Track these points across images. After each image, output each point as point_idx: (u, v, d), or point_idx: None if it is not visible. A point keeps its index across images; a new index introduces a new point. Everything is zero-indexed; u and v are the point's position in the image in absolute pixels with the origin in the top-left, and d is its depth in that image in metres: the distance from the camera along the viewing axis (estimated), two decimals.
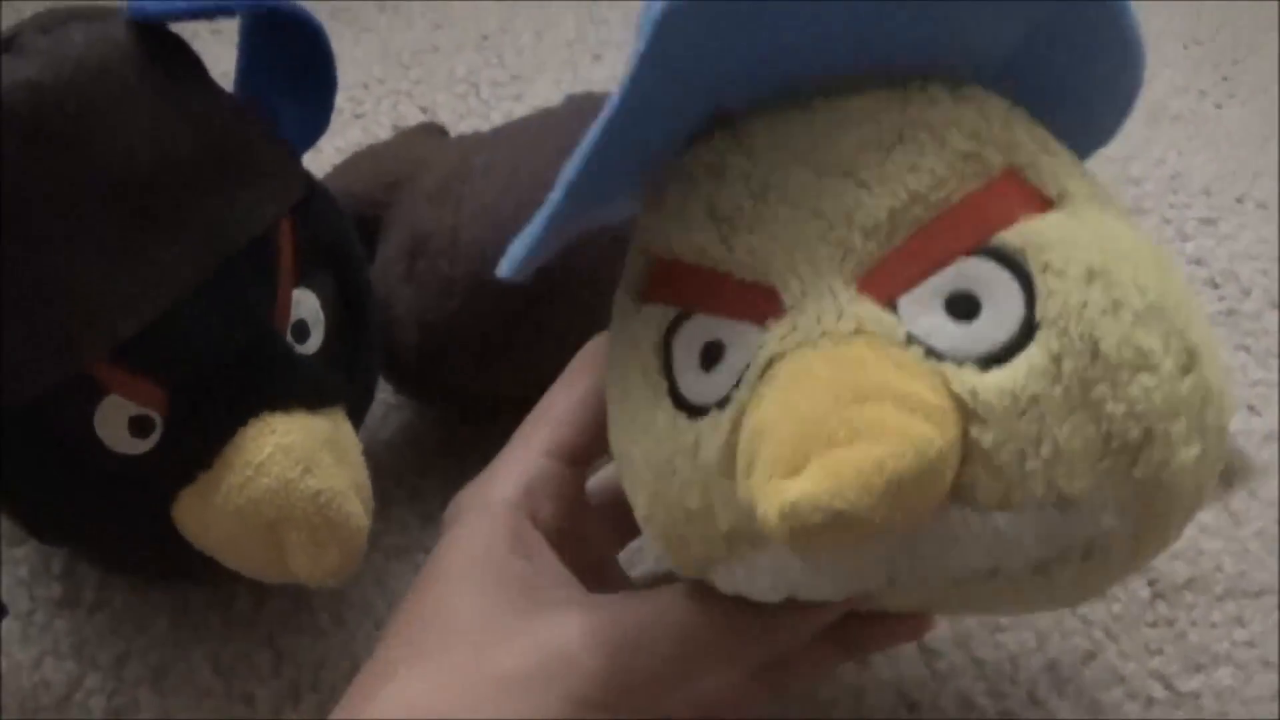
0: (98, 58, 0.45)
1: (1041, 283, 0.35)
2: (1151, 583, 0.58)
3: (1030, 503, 0.34)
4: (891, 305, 0.35)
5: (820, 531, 0.31)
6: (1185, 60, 0.98)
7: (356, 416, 0.53)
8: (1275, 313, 0.74)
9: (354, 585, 0.57)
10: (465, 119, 0.89)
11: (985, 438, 0.34)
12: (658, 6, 0.33)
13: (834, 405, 0.33)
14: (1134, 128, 0.86)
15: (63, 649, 0.56)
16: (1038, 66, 0.40)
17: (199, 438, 0.46)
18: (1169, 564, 0.58)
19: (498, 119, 0.88)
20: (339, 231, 0.54)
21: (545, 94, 0.91)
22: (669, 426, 0.39)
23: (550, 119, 0.63)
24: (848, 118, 0.38)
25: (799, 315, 0.36)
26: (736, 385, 0.37)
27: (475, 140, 0.65)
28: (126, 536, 0.51)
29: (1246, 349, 0.71)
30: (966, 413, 0.34)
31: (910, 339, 0.35)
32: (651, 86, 0.36)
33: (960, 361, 0.34)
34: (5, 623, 0.57)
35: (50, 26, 0.45)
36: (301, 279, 0.50)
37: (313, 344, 0.51)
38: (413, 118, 0.89)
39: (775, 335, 0.36)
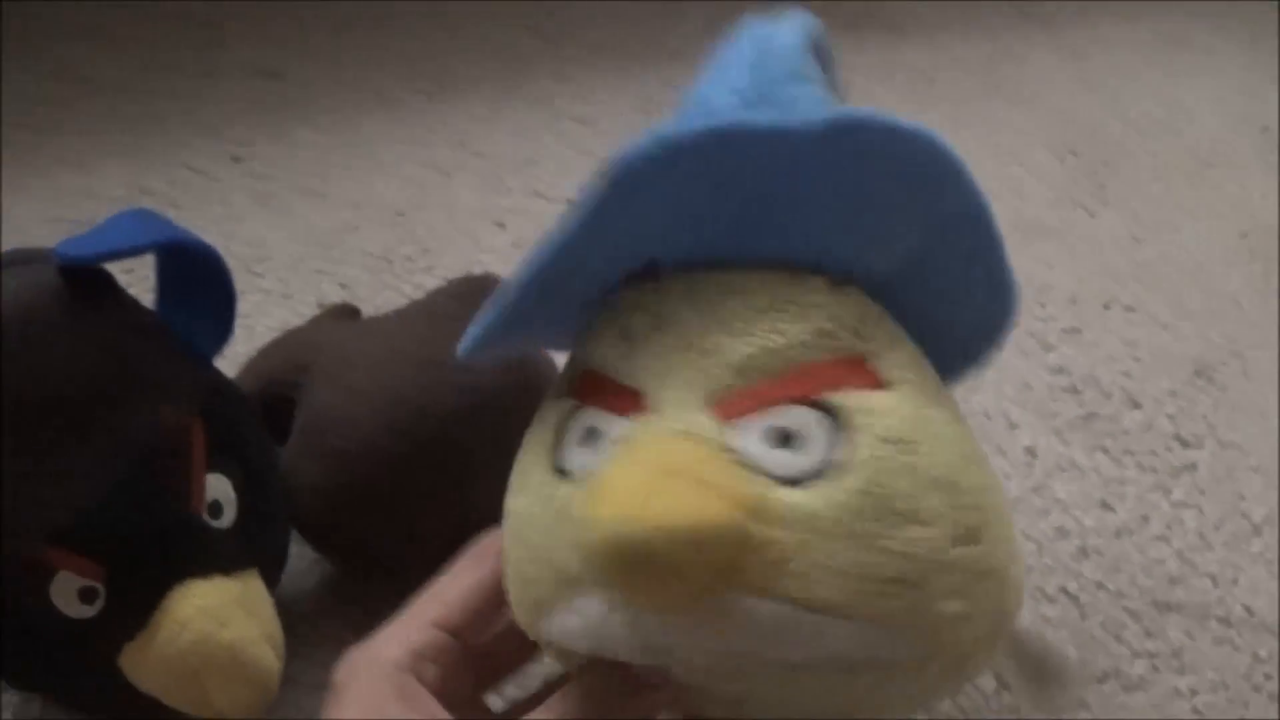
0: (22, 302, 0.52)
1: (848, 435, 0.42)
2: (996, 675, 0.62)
3: (790, 599, 0.40)
4: (729, 424, 0.42)
5: (622, 555, 0.38)
6: (1059, 172, 1.04)
7: (273, 573, 0.60)
8: (1134, 413, 0.78)
9: (278, 717, 0.62)
10: (380, 293, 0.95)
11: (767, 536, 0.40)
12: (613, 160, 0.42)
13: (655, 474, 0.39)
14: (1006, 241, 0.92)
15: None
16: (915, 287, 0.48)
17: (135, 603, 0.54)
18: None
19: (409, 290, 0.95)
20: (243, 423, 0.62)
21: (454, 264, 0.98)
22: (542, 484, 0.46)
23: (429, 305, 0.71)
24: (743, 285, 0.45)
25: (655, 415, 0.43)
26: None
27: (365, 325, 0.73)
28: (86, 684, 0.58)
29: (1104, 449, 0.76)
30: (755, 512, 0.40)
31: (729, 449, 0.41)
32: (590, 230, 0.44)
33: (766, 475, 0.41)
34: None
35: None
36: (214, 466, 0.58)
37: (227, 519, 0.58)
38: (333, 294, 0.96)
39: (633, 425, 0.43)
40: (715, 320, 0.45)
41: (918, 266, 0.47)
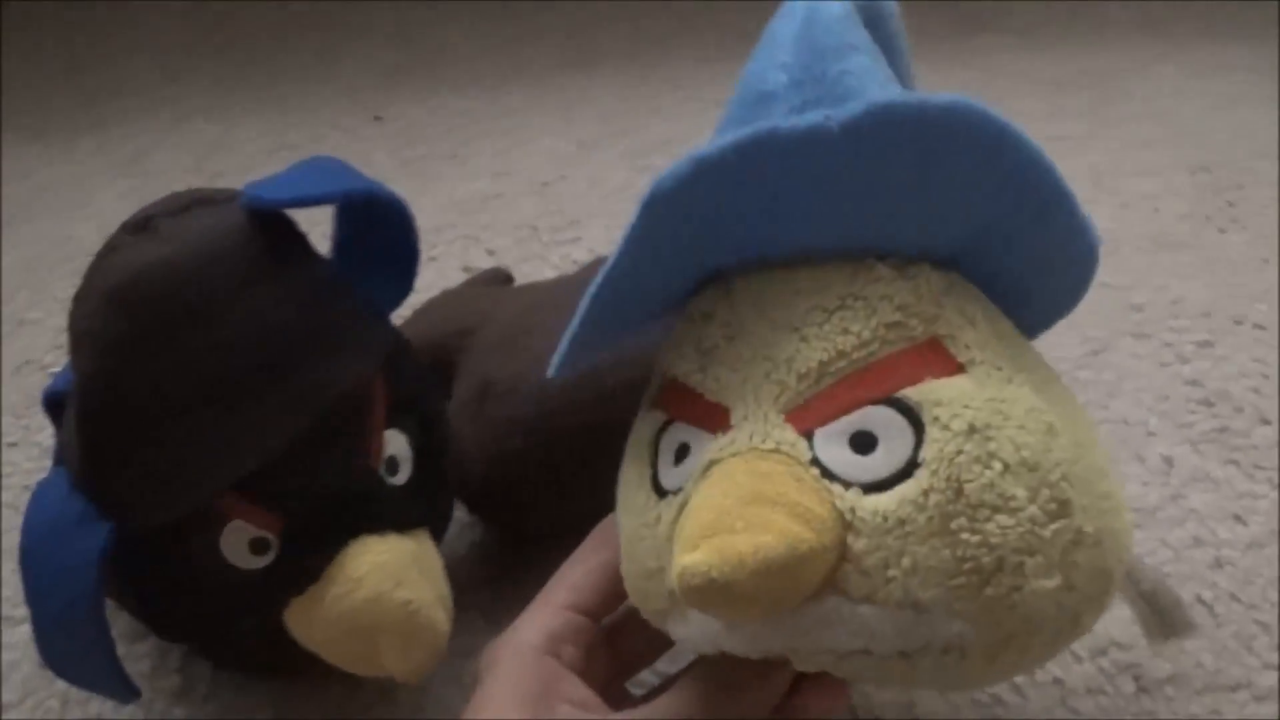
0: (220, 241, 0.51)
1: (929, 432, 0.41)
2: (1136, 678, 0.61)
3: (889, 601, 0.41)
4: (808, 435, 0.42)
5: (703, 593, 0.39)
6: (1191, 187, 1.02)
7: (437, 536, 0.59)
8: (1263, 429, 0.77)
9: (432, 681, 0.61)
10: (527, 261, 0.95)
11: (857, 545, 0.40)
12: (648, 190, 0.42)
13: (738, 503, 0.40)
14: (1137, 256, 0.91)
15: None
16: (992, 250, 0.47)
17: (309, 556, 0.52)
18: (1152, 661, 0.62)
19: (556, 260, 0.95)
20: (421, 381, 0.61)
21: (599, 237, 0.98)
22: (645, 504, 0.47)
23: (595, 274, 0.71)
24: (809, 284, 0.45)
25: (738, 432, 0.43)
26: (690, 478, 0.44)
27: (534, 293, 0.72)
28: (242, 637, 0.57)
29: (1235, 463, 0.74)
30: (845, 524, 0.40)
31: (814, 461, 0.42)
32: (643, 254, 0.44)
33: (850, 484, 0.41)
34: (129, 708, 0.64)
35: (177, 211, 0.52)
36: (392, 422, 0.57)
37: (402, 476, 0.57)
38: (480, 259, 0.95)
39: (717, 444, 0.44)
40: (786, 326, 0.45)
41: (990, 230, 0.46)
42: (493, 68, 1.23)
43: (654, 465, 0.48)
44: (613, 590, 0.52)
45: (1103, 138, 1.15)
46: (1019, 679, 0.61)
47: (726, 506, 0.40)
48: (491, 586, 0.66)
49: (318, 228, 0.57)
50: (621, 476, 0.50)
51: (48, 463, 0.79)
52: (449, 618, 0.54)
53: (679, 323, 0.50)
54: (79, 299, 0.52)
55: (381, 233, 0.59)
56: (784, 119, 0.42)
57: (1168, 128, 1.15)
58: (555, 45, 1.26)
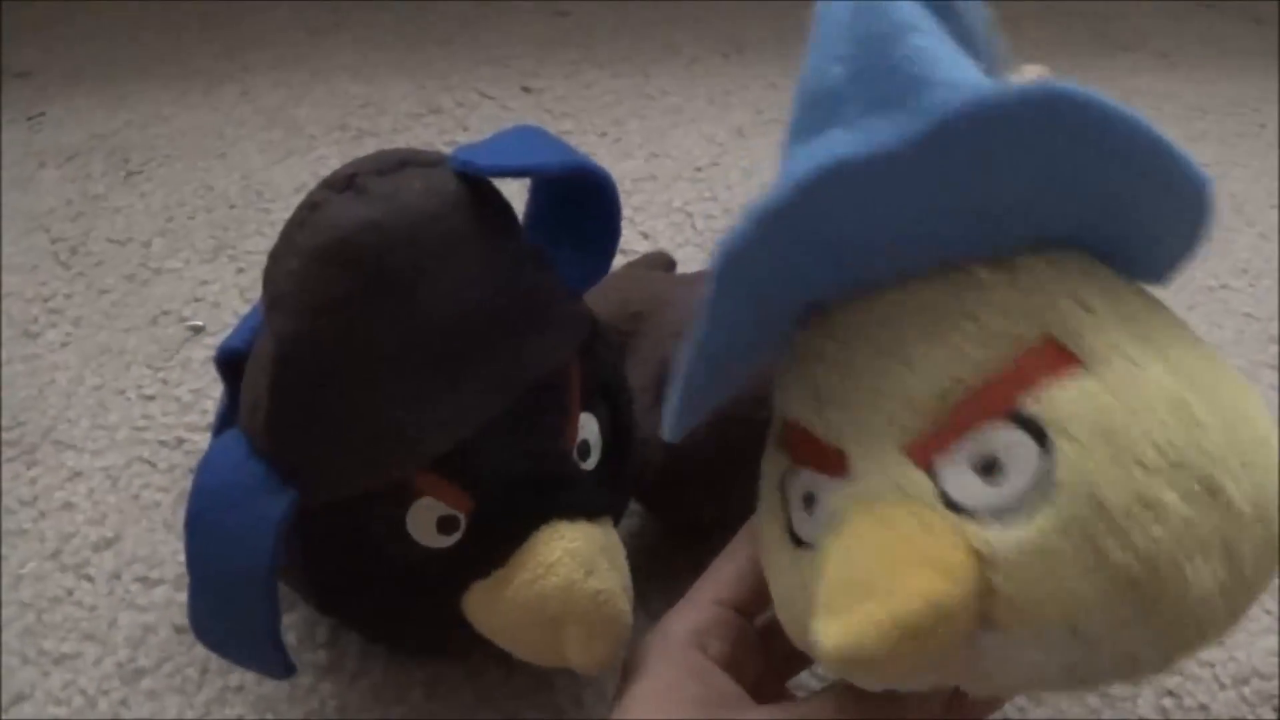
0: (432, 205, 0.49)
1: (1057, 445, 0.38)
2: (1278, 709, 0.62)
3: (1048, 631, 0.38)
4: (930, 469, 0.40)
5: (846, 666, 0.37)
6: None
7: (617, 521, 0.57)
8: None
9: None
10: (682, 247, 0.94)
11: (1001, 581, 0.38)
12: (721, 247, 0.40)
13: (870, 564, 0.38)
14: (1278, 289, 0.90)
15: (327, 710, 0.61)
16: (1099, 222, 0.43)
17: (499, 538, 0.51)
18: None
19: (713, 248, 0.93)
20: (615, 366, 0.59)
21: None
22: (786, 553, 0.46)
23: None
24: (907, 308, 0.42)
25: (859, 477, 0.42)
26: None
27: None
28: (412, 616, 0.55)
29: None
30: (984, 561, 0.38)
31: (943, 497, 0.39)
32: (729, 313, 0.42)
33: (983, 517, 0.39)
34: (274, 683, 0.63)
35: (386, 170, 0.49)
36: (585, 406, 0.55)
37: (592, 462, 0.55)
38: (635, 241, 0.94)
39: (841, 494, 0.42)
40: (893, 357, 0.42)
41: (1094, 204, 0.42)
42: (643, 49, 1.21)
43: (786, 512, 0.47)
44: (764, 586, 0.50)
45: (1243, 166, 1.14)
46: (1167, 703, 0.62)
47: (857, 568, 0.39)
48: (651, 579, 0.64)
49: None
50: (760, 514, 0.50)
51: (187, 418, 0.79)
52: (631, 609, 0.53)
53: (789, 360, 0.48)
54: (277, 256, 0.49)
55: (578, 210, 0.57)
56: (848, 137, 0.39)
57: None
58: (705, 31, 1.25)
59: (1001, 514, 0.39)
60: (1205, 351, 0.43)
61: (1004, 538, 0.38)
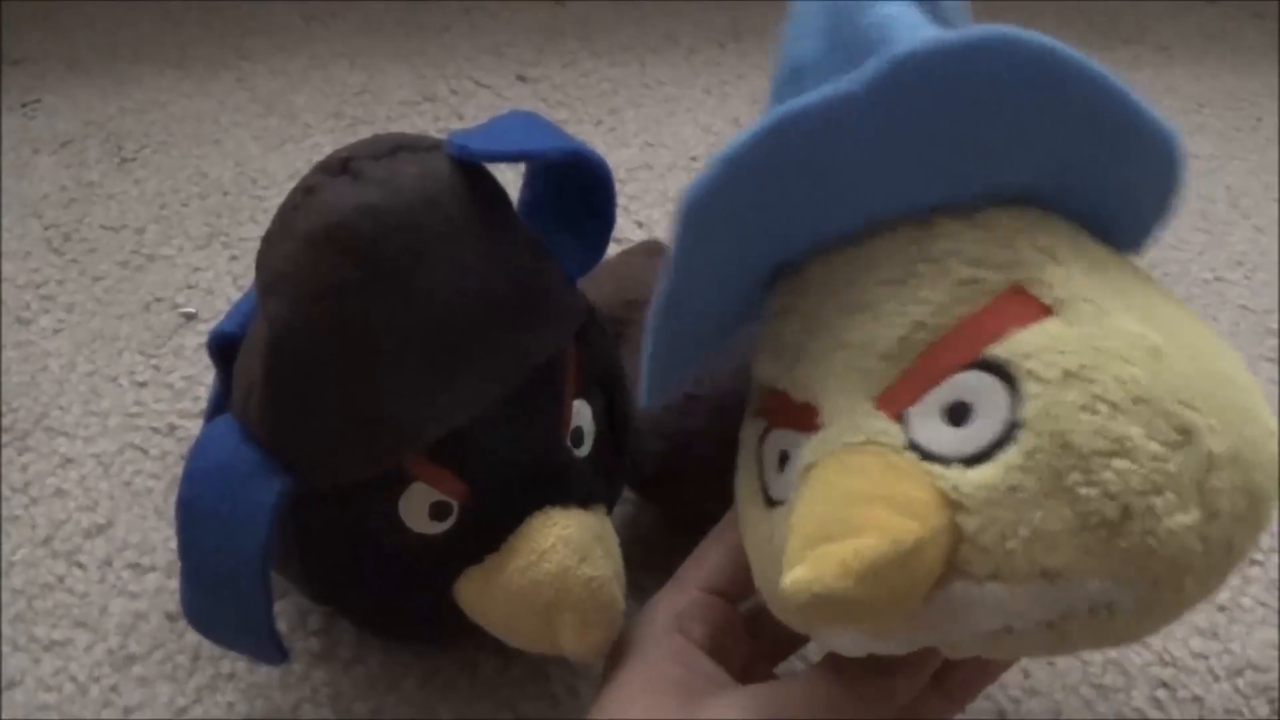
0: (428, 189, 0.48)
1: (1024, 388, 0.39)
2: (1271, 701, 0.62)
3: (1017, 575, 0.38)
4: (900, 418, 0.41)
5: (812, 608, 0.37)
6: None
7: (610, 509, 0.57)
8: None
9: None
10: None
11: (969, 524, 0.38)
12: (681, 203, 0.40)
13: (836, 507, 0.39)
14: (1274, 281, 0.91)
15: (320, 699, 0.61)
16: (1066, 176, 0.43)
17: (492, 524, 0.51)
18: None
19: None
20: (610, 354, 0.59)
21: None
22: (761, 517, 0.46)
23: None
24: (873, 259, 0.43)
25: (828, 430, 0.42)
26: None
27: None
28: (405, 604, 0.55)
29: None
30: (952, 504, 0.38)
31: (911, 445, 0.40)
32: (697, 265, 0.42)
33: (950, 461, 0.39)
34: (266, 670, 0.63)
35: (381, 154, 0.49)
36: (580, 393, 0.55)
37: (586, 449, 0.55)
38: (629, 230, 0.94)
39: (810, 446, 0.42)
40: (858, 308, 0.43)
41: (1058, 157, 0.43)
42: (641, 39, 1.21)
43: (761, 476, 0.47)
44: (747, 571, 0.50)
45: (1241, 160, 1.14)
46: (1161, 695, 0.61)
47: (822, 513, 0.39)
48: (646, 568, 0.64)
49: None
50: (737, 488, 0.50)
51: (179, 405, 0.79)
52: (624, 597, 0.52)
53: (764, 322, 0.48)
54: (272, 240, 0.49)
55: (573, 196, 0.56)
56: (811, 94, 0.39)
57: None
58: (703, 21, 1.24)
59: (969, 458, 0.39)
60: (1178, 306, 0.44)
61: (971, 478, 0.39)
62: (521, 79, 1.14)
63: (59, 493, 0.74)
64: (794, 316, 0.45)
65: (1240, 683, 0.63)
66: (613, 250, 0.76)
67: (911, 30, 0.41)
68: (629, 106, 1.10)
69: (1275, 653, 0.64)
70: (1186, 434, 0.39)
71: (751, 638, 0.53)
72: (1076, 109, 0.41)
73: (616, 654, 0.51)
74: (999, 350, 0.40)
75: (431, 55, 1.18)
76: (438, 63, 1.16)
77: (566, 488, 0.52)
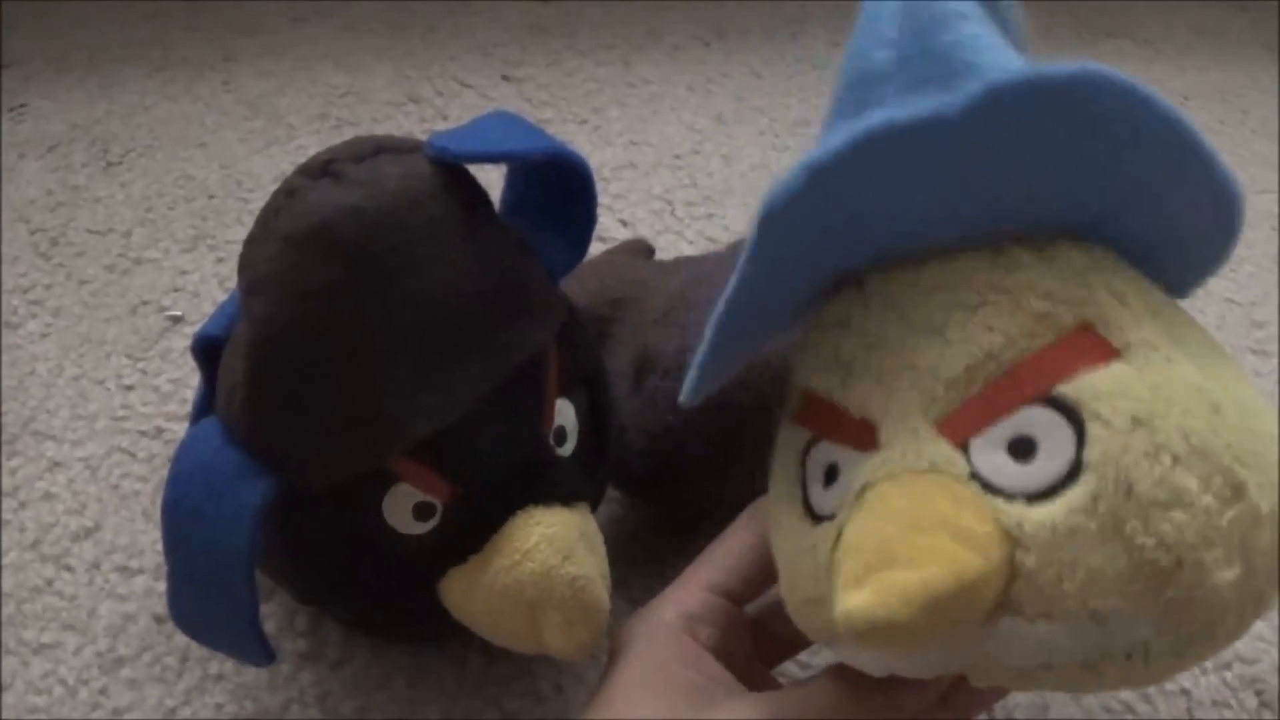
0: (409, 191, 0.49)
1: (1090, 430, 0.39)
2: (1259, 692, 0.62)
3: (1067, 615, 0.39)
4: (963, 446, 0.40)
5: (870, 634, 0.36)
6: None
7: (594, 508, 0.57)
8: None
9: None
10: (662, 235, 0.94)
11: (1028, 561, 0.38)
12: (767, 198, 0.39)
13: (899, 532, 0.38)
14: (1260, 274, 0.91)
15: (308, 699, 0.61)
16: (1131, 214, 0.43)
17: (475, 524, 0.51)
18: (1275, 677, 0.62)
19: (692, 235, 0.94)
20: (592, 353, 0.59)
21: (734, 215, 0.96)
22: (799, 528, 0.45)
23: None
24: (943, 280, 0.42)
25: (889, 450, 0.41)
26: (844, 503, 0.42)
27: (692, 267, 0.70)
28: (391, 604, 0.55)
29: None
30: (1013, 540, 0.38)
31: (973, 476, 0.39)
32: (766, 269, 0.42)
33: (1013, 496, 0.39)
34: (254, 671, 0.63)
35: (362, 156, 0.49)
36: (563, 391, 0.55)
37: (569, 447, 0.55)
38: (614, 229, 0.94)
39: (869, 466, 0.41)
40: (926, 330, 0.42)
41: (1129, 194, 0.43)
42: (626, 36, 1.21)
43: (803, 486, 0.46)
44: (757, 574, 0.51)
45: (1227, 153, 1.11)
46: (1150, 688, 0.61)
47: (886, 536, 0.38)
48: (634, 565, 0.64)
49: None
50: (771, 491, 0.49)
51: (166, 408, 0.79)
52: (609, 596, 0.53)
53: (812, 330, 0.47)
54: (254, 242, 0.49)
55: (555, 196, 0.57)
56: (898, 106, 0.39)
57: None
58: (688, 19, 1.25)
59: (1031, 495, 0.39)
60: (1221, 351, 0.44)
61: (1034, 516, 0.39)
62: (506, 79, 1.14)
63: (47, 496, 0.74)
64: (850, 329, 0.45)
65: (1228, 675, 0.63)
66: (598, 249, 0.77)
67: (993, 53, 0.41)
68: (613, 105, 1.10)
69: (1263, 645, 0.64)
70: (1238, 490, 0.39)
71: (752, 641, 0.53)
72: (1154, 150, 0.41)
73: (618, 652, 0.51)
74: (1068, 389, 0.40)
75: (417, 56, 1.18)
76: (423, 63, 1.16)
77: (550, 486, 0.52)
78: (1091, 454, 0.39)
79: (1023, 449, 0.40)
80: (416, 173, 0.50)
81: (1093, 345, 0.41)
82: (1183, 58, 1.30)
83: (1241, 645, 0.63)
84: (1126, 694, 0.61)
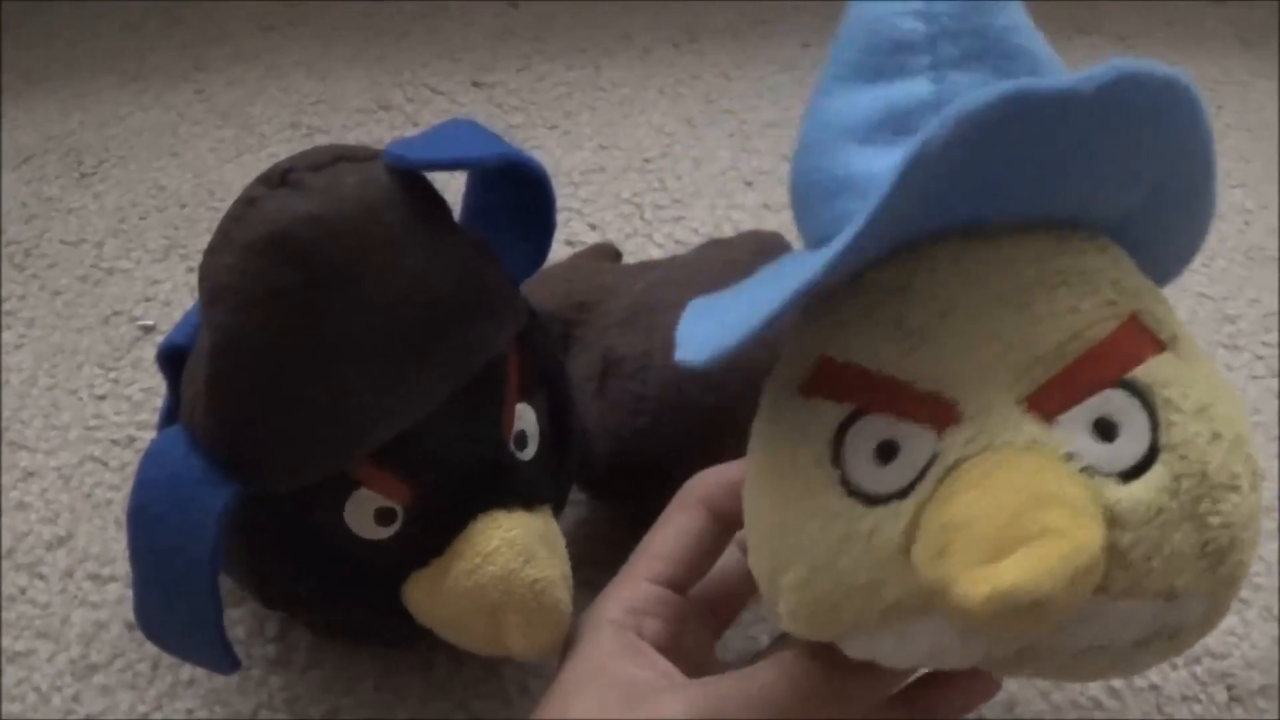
0: (368, 198, 0.49)
1: (1164, 415, 0.40)
2: (1229, 687, 0.62)
3: (1147, 593, 0.39)
4: (1051, 423, 0.40)
5: (1018, 614, 0.35)
6: None
7: (558, 511, 0.58)
8: None
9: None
10: (631, 238, 0.94)
11: (1123, 539, 0.38)
12: (917, 146, 0.37)
13: (1024, 506, 0.36)
14: (1232, 268, 0.91)
15: (277, 703, 0.62)
16: (1143, 221, 0.45)
17: (436, 529, 0.52)
18: (1245, 671, 0.63)
19: (660, 238, 0.94)
20: (552, 355, 0.60)
21: (703, 217, 0.96)
22: (842, 511, 0.41)
23: (728, 255, 0.69)
24: (1019, 255, 0.42)
25: (979, 425, 0.40)
26: (916, 480, 0.40)
27: (657, 270, 0.70)
28: (355, 608, 0.56)
29: None
30: (1110, 518, 0.38)
31: (1069, 455, 0.39)
32: (879, 229, 0.39)
33: (1104, 475, 0.39)
34: (225, 677, 0.63)
35: (320, 165, 0.49)
36: (523, 395, 0.55)
37: (529, 452, 0.56)
38: (583, 233, 0.94)
39: (958, 440, 0.40)
40: (1012, 303, 0.41)
41: (1155, 192, 0.44)
42: (595, 40, 1.22)
43: (834, 462, 0.43)
44: (695, 559, 0.52)
45: None
46: (1117, 683, 0.62)
47: (1009, 512, 0.37)
48: (600, 566, 0.64)
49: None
50: (776, 474, 0.45)
51: (138, 417, 0.80)
52: (570, 598, 0.53)
53: (849, 297, 0.44)
54: (214, 251, 0.50)
55: (514, 201, 0.57)
56: (1037, 79, 0.38)
57: (1261, 142, 1.13)
58: (659, 20, 1.25)
59: (1119, 474, 0.40)
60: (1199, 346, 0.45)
61: (1126, 494, 0.39)
62: (476, 85, 1.14)
63: (20, 505, 0.74)
64: (922, 296, 0.42)
65: (1198, 670, 0.63)
66: (567, 253, 0.78)
67: (1041, 43, 0.44)
68: (584, 109, 1.11)
69: (1233, 639, 0.65)
70: (1257, 476, 0.42)
71: (702, 625, 0.53)
72: (1194, 155, 0.43)
73: (566, 651, 0.51)
74: (1141, 374, 0.41)
75: (388, 63, 1.18)
76: (394, 70, 1.17)
77: (510, 490, 0.53)
78: (1170, 437, 0.40)
79: (1107, 430, 0.40)
80: (374, 180, 0.50)
81: (1146, 336, 0.42)
82: (1156, 53, 1.29)
83: (1212, 639, 0.63)
84: (1095, 690, 0.62)
